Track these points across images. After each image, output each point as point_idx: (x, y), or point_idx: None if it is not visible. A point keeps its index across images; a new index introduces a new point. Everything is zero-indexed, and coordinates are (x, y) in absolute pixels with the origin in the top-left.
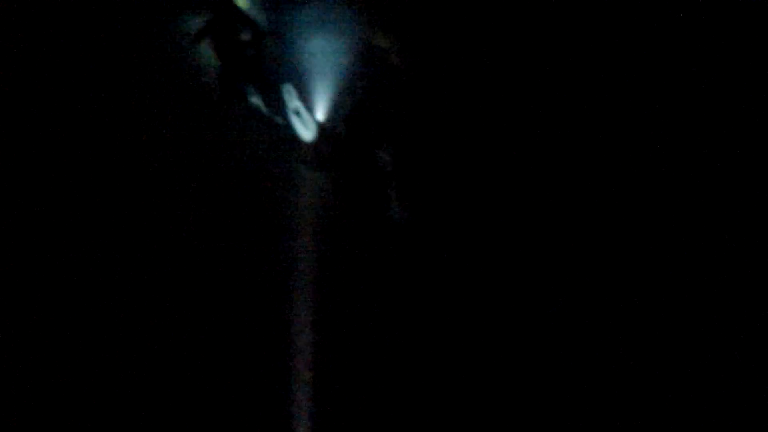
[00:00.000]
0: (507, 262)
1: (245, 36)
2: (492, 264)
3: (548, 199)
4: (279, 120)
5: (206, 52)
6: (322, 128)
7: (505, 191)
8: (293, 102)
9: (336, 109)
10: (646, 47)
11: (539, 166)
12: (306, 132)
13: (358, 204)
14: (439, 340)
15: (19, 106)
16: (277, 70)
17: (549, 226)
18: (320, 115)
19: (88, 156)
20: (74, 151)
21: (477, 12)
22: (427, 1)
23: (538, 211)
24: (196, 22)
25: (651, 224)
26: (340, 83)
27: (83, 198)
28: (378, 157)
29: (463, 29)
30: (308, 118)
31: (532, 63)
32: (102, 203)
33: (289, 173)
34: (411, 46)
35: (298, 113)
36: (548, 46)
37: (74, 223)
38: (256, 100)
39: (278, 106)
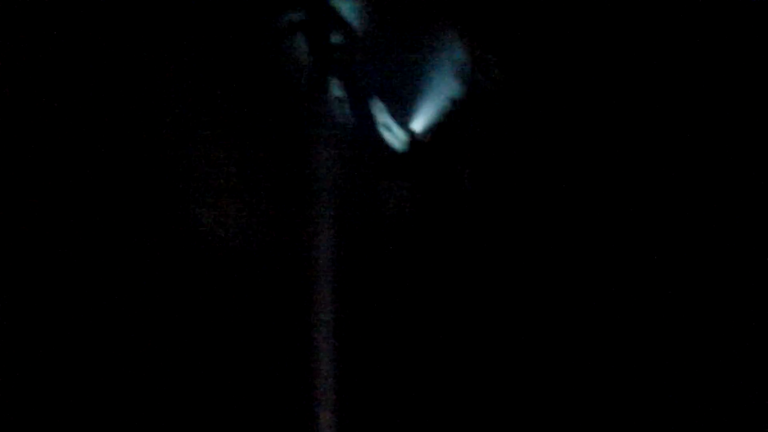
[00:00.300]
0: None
1: (336, 38)
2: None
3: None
4: (363, 128)
5: (298, 48)
6: (412, 140)
7: (593, 226)
8: (382, 117)
9: (427, 121)
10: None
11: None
12: (397, 143)
13: (435, 217)
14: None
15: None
16: (365, 77)
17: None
18: (411, 125)
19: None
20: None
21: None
22: (531, 17)
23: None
24: (289, 18)
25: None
26: (433, 95)
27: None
28: (461, 173)
29: (567, 48)
30: (398, 131)
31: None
32: (177, 198)
33: (368, 180)
34: (512, 62)
35: (387, 127)
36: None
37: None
38: (341, 103)
39: (364, 114)
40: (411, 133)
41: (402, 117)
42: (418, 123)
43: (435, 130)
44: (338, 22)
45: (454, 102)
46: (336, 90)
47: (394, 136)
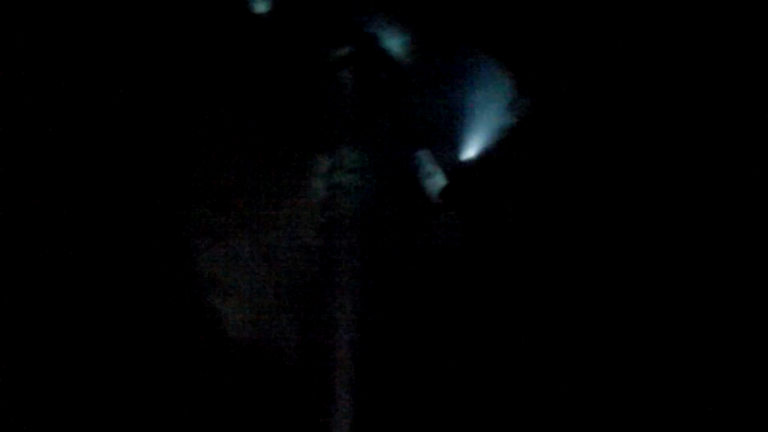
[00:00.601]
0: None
1: (384, 75)
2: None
3: None
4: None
5: (346, 81)
6: (457, 174)
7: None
8: (428, 166)
9: (472, 155)
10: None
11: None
12: (435, 190)
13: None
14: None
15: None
16: (412, 111)
17: None
18: (457, 159)
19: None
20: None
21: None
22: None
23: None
24: (339, 51)
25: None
26: (479, 129)
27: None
28: (505, 206)
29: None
30: (440, 178)
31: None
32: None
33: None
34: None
35: (430, 175)
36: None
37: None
38: (386, 141)
39: (410, 158)
40: (456, 168)
41: (447, 151)
42: (464, 156)
43: (480, 163)
44: (386, 57)
45: (500, 135)
46: (382, 124)
47: (434, 183)
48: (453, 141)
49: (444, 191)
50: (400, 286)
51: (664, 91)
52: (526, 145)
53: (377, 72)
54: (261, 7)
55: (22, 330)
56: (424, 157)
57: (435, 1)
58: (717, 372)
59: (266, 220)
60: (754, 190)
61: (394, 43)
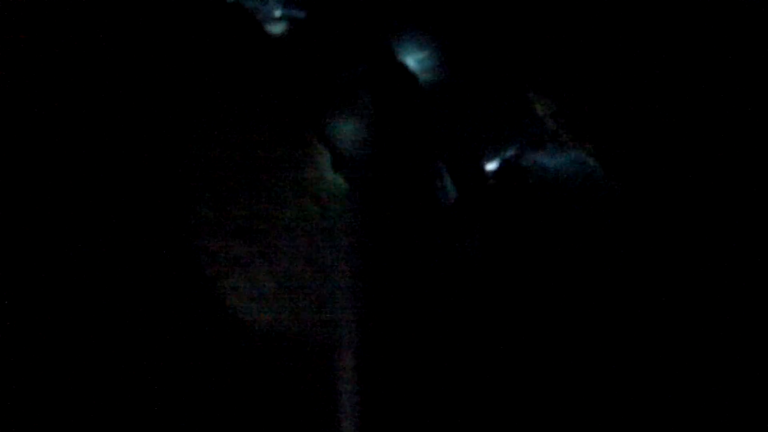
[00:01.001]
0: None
1: (402, 92)
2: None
3: None
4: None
5: (363, 101)
6: (472, 187)
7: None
8: (440, 174)
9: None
10: None
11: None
12: (445, 199)
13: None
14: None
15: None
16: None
17: None
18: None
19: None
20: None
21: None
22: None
23: None
24: (354, 70)
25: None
26: (492, 144)
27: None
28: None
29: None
30: (450, 188)
31: None
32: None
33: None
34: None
35: (442, 184)
36: None
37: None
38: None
39: (424, 168)
40: (468, 180)
41: (461, 164)
42: (476, 169)
43: (493, 176)
44: (403, 74)
45: (513, 152)
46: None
47: (445, 193)
48: (466, 154)
49: (455, 203)
50: (402, 290)
51: (664, 91)
52: (538, 160)
53: (393, 87)
54: (277, 28)
55: (22, 330)
56: (437, 169)
57: (450, 16)
58: (717, 372)
59: (267, 222)
60: (754, 190)
61: (411, 59)
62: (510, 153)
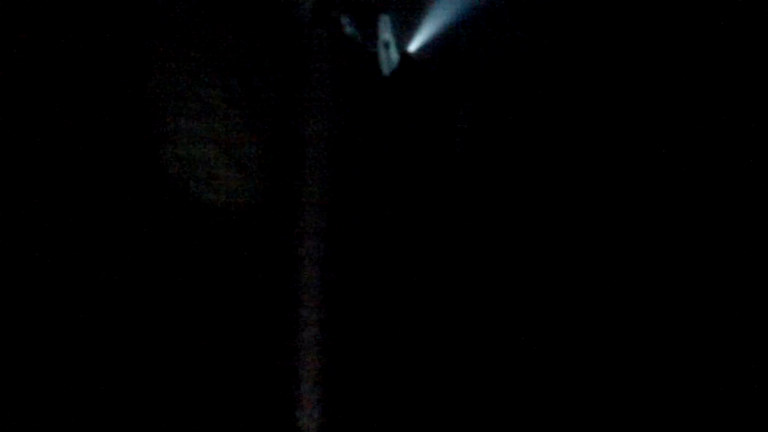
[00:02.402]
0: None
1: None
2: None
3: None
4: (371, 49)
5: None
6: (405, 62)
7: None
8: (385, 34)
9: (423, 43)
10: None
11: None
12: (387, 66)
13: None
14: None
15: None
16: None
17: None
18: (411, 48)
19: None
20: None
21: None
22: None
23: None
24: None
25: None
26: (437, 20)
27: None
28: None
29: None
30: (394, 52)
31: None
32: None
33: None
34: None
35: (387, 46)
36: None
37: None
38: (351, 30)
39: (371, 36)
40: (405, 53)
41: (405, 39)
42: (415, 44)
43: (431, 52)
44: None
45: (455, 29)
46: (347, 24)
47: (389, 56)
48: (406, 30)
49: (397, 68)
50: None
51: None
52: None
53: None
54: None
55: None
56: (385, 24)
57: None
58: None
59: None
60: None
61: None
62: (446, 33)
